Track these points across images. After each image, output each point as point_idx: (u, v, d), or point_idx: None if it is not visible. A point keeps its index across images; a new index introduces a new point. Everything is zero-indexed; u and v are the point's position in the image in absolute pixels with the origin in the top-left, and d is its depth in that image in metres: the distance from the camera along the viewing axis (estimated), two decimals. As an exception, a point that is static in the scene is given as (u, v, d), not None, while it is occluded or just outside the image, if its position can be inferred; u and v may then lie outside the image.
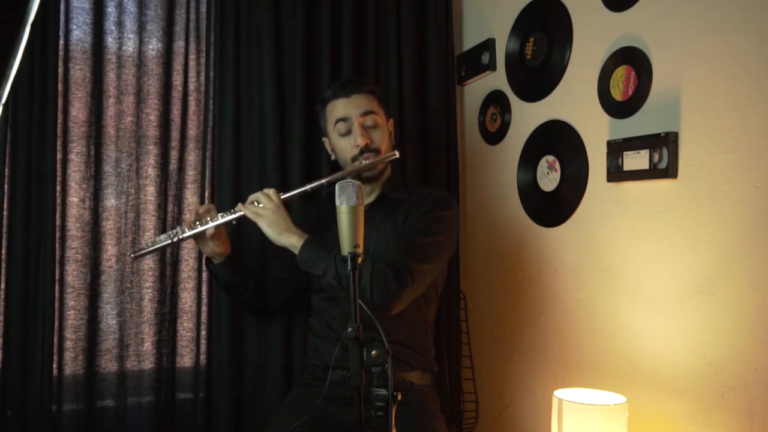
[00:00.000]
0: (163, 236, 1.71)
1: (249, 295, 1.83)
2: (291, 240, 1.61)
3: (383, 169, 1.79)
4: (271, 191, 1.67)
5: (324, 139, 1.87)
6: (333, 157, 1.86)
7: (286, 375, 1.99)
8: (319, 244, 1.61)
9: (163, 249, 1.93)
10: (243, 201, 1.70)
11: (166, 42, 2.02)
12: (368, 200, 1.79)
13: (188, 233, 1.69)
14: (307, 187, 1.70)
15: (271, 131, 2.05)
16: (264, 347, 2.00)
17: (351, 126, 1.75)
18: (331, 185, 1.70)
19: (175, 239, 1.69)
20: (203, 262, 1.94)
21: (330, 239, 1.53)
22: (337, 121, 1.76)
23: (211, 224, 1.68)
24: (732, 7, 1.44)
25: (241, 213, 1.66)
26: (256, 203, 1.66)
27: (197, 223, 1.69)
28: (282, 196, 1.67)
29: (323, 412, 1.65)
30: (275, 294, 1.89)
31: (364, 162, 1.71)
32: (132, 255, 1.74)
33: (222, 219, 1.68)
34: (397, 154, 1.74)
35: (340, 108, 1.77)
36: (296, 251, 1.60)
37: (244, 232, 1.98)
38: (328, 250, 1.58)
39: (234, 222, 1.71)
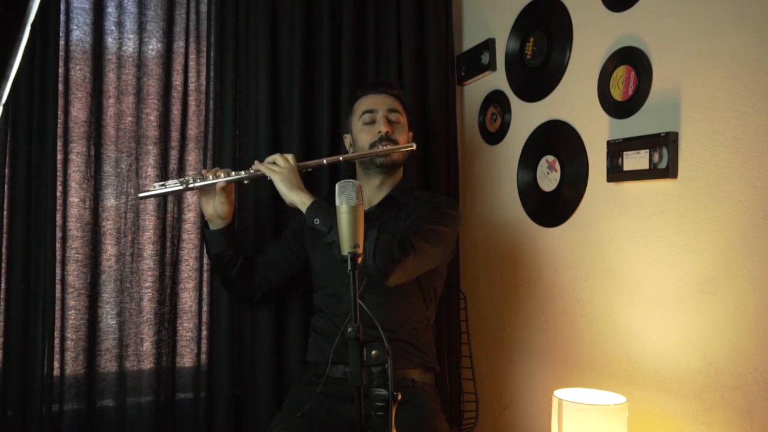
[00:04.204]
0: (173, 181, 1.73)
1: (235, 272, 1.83)
2: (301, 197, 1.66)
3: (397, 163, 1.83)
4: (289, 156, 1.74)
5: (345, 135, 1.92)
6: (351, 152, 1.89)
7: (285, 374, 2.00)
8: (327, 206, 1.64)
9: (164, 241, 1.98)
10: (242, 202, 1.72)
11: (166, 42, 2.02)
12: (375, 200, 1.83)
13: (199, 183, 1.72)
14: (323, 160, 1.78)
15: (270, 131, 2.05)
16: (262, 346, 1.99)
17: (376, 117, 1.81)
18: (348, 162, 1.85)
19: (185, 186, 1.71)
20: (201, 243, 1.94)
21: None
22: (364, 112, 1.82)
23: (223, 178, 1.72)
24: (732, 7, 1.44)
25: (255, 171, 1.72)
26: (273, 163, 1.72)
27: (210, 176, 1.73)
28: (299, 164, 1.74)
29: (326, 409, 1.65)
30: (260, 279, 1.88)
31: (381, 147, 1.77)
32: (138, 194, 1.78)
33: (236, 176, 1.73)
34: (414, 146, 1.80)
35: (369, 101, 1.84)
36: (304, 208, 1.64)
37: (241, 212, 2.01)
38: (335, 212, 1.60)
39: (246, 181, 1.77)
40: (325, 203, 1.65)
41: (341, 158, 1.77)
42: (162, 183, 1.73)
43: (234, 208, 1.82)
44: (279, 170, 1.69)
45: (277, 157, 1.73)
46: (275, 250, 1.89)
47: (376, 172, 1.81)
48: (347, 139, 1.91)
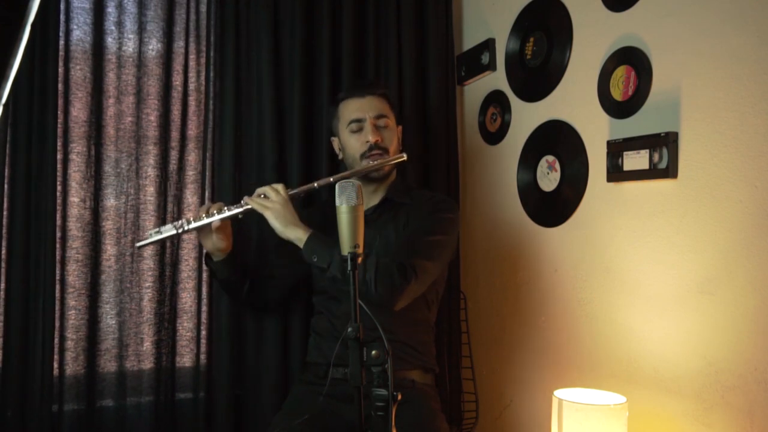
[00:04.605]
0: (167, 226, 1.72)
1: (245, 292, 1.84)
2: (297, 233, 1.62)
3: (389, 171, 1.82)
4: (279, 186, 1.68)
5: (333, 138, 1.90)
6: (340, 157, 1.88)
7: (285, 374, 2.00)
8: (324, 238, 1.62)
9: (164, 242, 1.96)
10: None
11: (166, 42, 2.02)
12: (371, 203, 1.81)
13: (194, 224, 1.70)
14: (315, 183, 1.72)
15: (271, 131, 2.05)
16: (262, 346, 2.00)
17: (363, 125, 1.78)
18: (341, 165, 1.79)
19: (180, 230, 1.70)
20: (203, 260, 1.94)
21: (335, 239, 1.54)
22: (351, 121, 1.78)
23: (217, 216, 1.69)
24: (732, 7, 1.44)
25: (248, 206, 1.67)
26: (263, 196, 1.67)
27: (203, 215, 1.70)
28: (290, 192, 1.68)
29: (326, 409, 1.65)
30: (272, 292, 1.90)
31: (372, 162, 1.74)
32: (136, 244, 1.76)
33: (228, 212, 1.69)
34: (404, 156, 1.77)
35: (354, 107, 1.79)
36: (301, 244, 1.61)
37: (243, 228, 1.99)
38: (332, 244, 1.59)
39: (240, 216, 1.71)
40: (321, 236, 1.62)
41: (332, 179, 1.71)
42: (158, 230, 1.72)
43: (232, 240, 1.78)
44: (271, 206, 1.64)
45: (267, 190, 1.67)
46: (280, 263, 1.88)
47: (370, 181, 1.80)
48: (335, 143, 1.89)
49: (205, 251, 1.83)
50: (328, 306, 1.78)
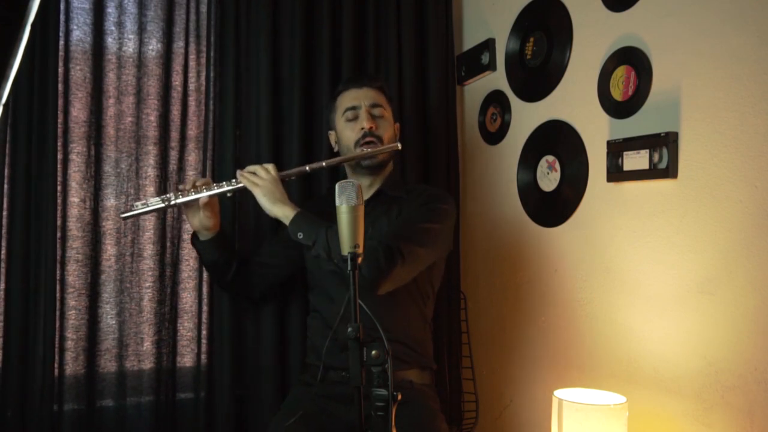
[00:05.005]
0: (155, 199, 1.71)
1: (231, 276, 1.82)
2: (284, 210, 1.63)
3: (384, 163, 1.81)
4: (270, 166, 1.69)
5: (330, 132, 1.90)
6: (336, 149, 1.88)
7: (285, 374, 2.00)
8: (312, 217, 1.62)
9: (164, 242, 1.96)
10: (242, 204, 1.70)
11: (166, 42, 2.02)
12: (366, 196, 1.80)
13: (181, 199, 1.69)
14: (306, 167, 1.73)
15: (270, 131, 2.05)
16: (263, 346, 2.00)
17: (358, 113, 1.78)
18: (330, 168, 1.78)
19: (167, 203, 1.69)
20: (190, 241, 1.95)
21: (324, 221, 1.56)
22: (346, 109, 1.79)
23: (205, 193, 1.69)
24: (732, 7, 1.44)
25: (238, 184, 1.67)
26: (255, 174, 1.68)
27: (191, 190, 1.70)
28: (281, 174, 1.69)
29: (324, 410, 1.65)
30: (258, 278, 1.88)
31: (366, 150, 1.74)
32: (121, 215, 1.74)
33: (218, 189, 1.69)
34: (399, 145, 1.76)
35: (351, 97, 1.80)
36: (287, 221, 1.61)
37: (240, 215, 2.00)
38: (319, 223, 1.60)
39: (229, 194, 1.71)
40: (309, 215, 1.62)
41: (324, 164, 1.72)
42: (144, 202, 1.71)
43: (219, 218, 1.79)
44: (261, 182, 1.65)
45: (257, 168, 1.68)
46: (272, 251, 1.88)
47: (365, 172, 1.79)
48: (332, 137, 1.89)
49: (191, 232, 1.82)
50: (322, 305, 1.78)
